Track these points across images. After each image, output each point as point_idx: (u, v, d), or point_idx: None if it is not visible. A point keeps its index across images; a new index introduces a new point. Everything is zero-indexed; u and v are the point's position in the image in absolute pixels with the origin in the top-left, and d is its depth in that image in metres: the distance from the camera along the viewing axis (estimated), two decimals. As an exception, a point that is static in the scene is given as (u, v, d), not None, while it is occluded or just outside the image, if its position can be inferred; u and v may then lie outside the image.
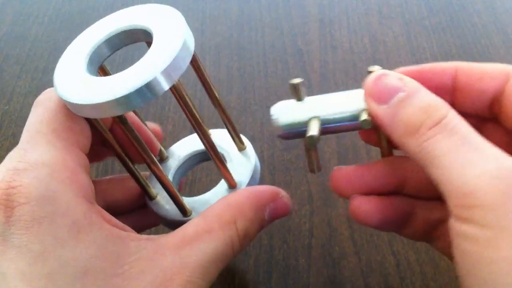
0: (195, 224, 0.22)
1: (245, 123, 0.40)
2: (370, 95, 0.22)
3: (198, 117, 0.24)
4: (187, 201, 0.27)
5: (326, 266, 0.32)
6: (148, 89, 0.21)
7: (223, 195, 0.26)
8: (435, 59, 0.46)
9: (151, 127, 0.29)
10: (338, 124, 0.24)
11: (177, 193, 0.26)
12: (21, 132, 0.39)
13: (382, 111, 0.21)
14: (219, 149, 0.27)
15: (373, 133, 0.25)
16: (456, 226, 0.19)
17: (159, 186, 0.26)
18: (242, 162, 0.28)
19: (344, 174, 0.25)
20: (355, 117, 0.23)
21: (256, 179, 0.28)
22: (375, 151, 0.35)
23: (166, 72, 0.21)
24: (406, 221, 0.25)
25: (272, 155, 0.38)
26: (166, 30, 0.23)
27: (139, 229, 0.24)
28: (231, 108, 0.41)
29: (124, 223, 0.23)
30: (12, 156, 0.21)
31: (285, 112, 0.26)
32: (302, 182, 0.36)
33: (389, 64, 0.45)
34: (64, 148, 0.21)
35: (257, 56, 0.46)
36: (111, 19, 0.25)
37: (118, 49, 0.25)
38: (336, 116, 0.24)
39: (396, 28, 0.49)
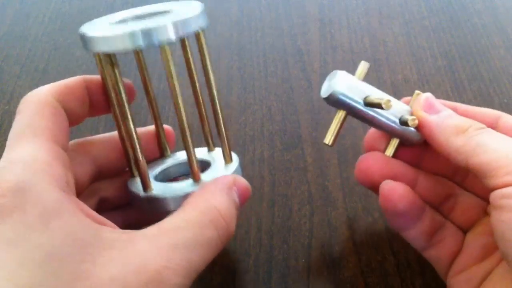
0: (172, 217, 0.23)
1: (245, 123, 0.40)
2: (422, 108, 0.27)
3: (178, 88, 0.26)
4: (154, 184, 0.27)
5: (326, 266, 0.32)
6: (156, 32, 0.24)
7: (191, 187, 0.27)
8: (435, 59, 0.46)
9: (165, 128, 0.31)
10: (387, 115, 0.28)
11: (142, 161, 0.27)
12: (21, 132, 0.39)
13: (431, 118, 0.27)
14: (206, 156, 0.30)
15: (381, 141, 0.29)
16: (497, 197, 0.23)
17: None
18: (221, 173, 0.28)
19: (372, 161, 0.29)
20: (403, 118, 0.28)
21: None
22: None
23: (175, 25, 0.24)
24: (419, 216, 0.28)
25: (272, 155, 0.38)
26: (184, 6, 0.27)
27: (132, 226, 0.25)
28: (231, 108, 0.41)
29: (117, 219, 0.23)
30: None
31: (347, 81, 0.28)
32: (302, 182, 0.36)
33: (389, 64, 0.45)
34: (41, 145, 0.23)
35: (257, 56, 0.46)
36: (138, 8, 0.29)
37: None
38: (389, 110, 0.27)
39: (396, 28, 0.49)
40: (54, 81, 0.43)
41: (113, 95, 0.27)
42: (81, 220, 0.21)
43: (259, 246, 0.33)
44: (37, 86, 0.45)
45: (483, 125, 0.25)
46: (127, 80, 0.29)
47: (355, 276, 0.31)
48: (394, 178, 0.28)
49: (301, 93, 0.43)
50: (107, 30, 0.24)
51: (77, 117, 0.26)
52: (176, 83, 0.25)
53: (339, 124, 0.28)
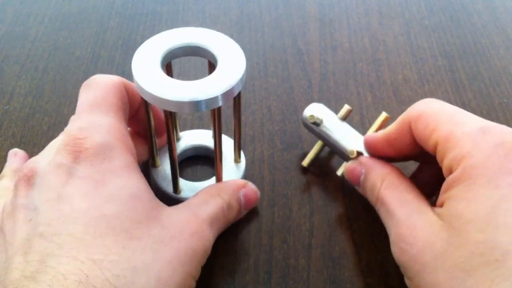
0: (194, 198, 0.30)
1: (245, 123, 0.40)
2: (349, 181, 0.33)
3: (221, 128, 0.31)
4: (181, 183, 0.33)
5: (326, 266, 0.32)
6: (210, 102, 0.27)
7: None
8: (435, 59, 0.46)
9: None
10: (335, 144, 0.35)
11: (177, 171, 0.32)
12: (21, 132, 0.40)
13: (358, 188, 0.32)
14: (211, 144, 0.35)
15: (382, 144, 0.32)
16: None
17: (163, 160, 0.34)
18: (233, 172, 0.35)
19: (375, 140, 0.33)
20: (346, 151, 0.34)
21: None
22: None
23: (226, 94, 0.27)
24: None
25: (272, 155, 0.38)
26: (229, 60, 0.29)
27: None
28: (231, 108, 0.41)
29: None
30: (75, 119, 0.28)
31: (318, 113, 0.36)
32: (302, 182, 0.36)
33: (389, 64, 0.45)
34: (115, 118, 0.28)
35: (257, 56, 0.46)
36: (187, 32, 0.30)
37: (188, 55, 0.30)
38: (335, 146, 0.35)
39: (396, 28, 0.49)
40: (54, 81, 0.44)
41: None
42: (146, 181, 0.28)
43: (259, 246, 0.33)
44: (37, 86, 0.45)
45: (378, 184, 0.30)
46: None
47: (355, 276, 0.31)
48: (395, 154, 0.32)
49: (301, 93, 0.43)
50: (159, 86, 0.27)
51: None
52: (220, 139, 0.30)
53: (316, 151, 0.36)
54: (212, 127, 0.35)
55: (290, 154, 0.38)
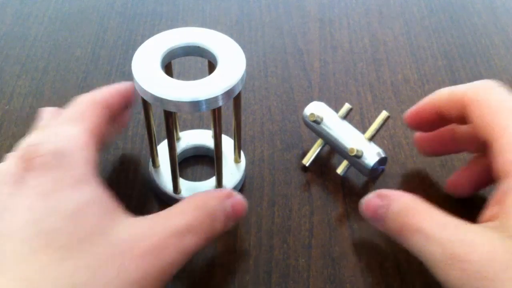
0: (173, 207, 0.28)
1: (245, 123, 0.40)
2: (367, 216, 0.31)
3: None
4: (181, 183, 0.33)
5: (326, 266, 0.32)
6: (210, 102, 0.27)
7: (210, 188, 0.34)
8: (435, 59, 0.46)
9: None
10: (337, 143, 0.35)
11: (177, 171, 0.32)
12: (21, 132, 0.40)
13: (377, 224, 0.30)
14: (211, 143, 0.35)
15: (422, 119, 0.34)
16: None
17: (162, 160, 0.34)
18: (233, 172, 0.35)
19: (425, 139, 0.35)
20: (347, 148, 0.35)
21: (237, 189, 0.35)
22: (375, 151, 0.35)
23: (226, 94, 0.27)
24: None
25: (272, 155, 0.38)
26: (230, 59, 0.29)
27: None
28: (231, 108, 0.41)
29: None
30: (43, 128, 0.28)
31: (317, 111, 0.36)
32: (302, 182, 0.36)
33: (389, 64, 0.45)
34: (84, 130, 0.28)
35: (257, 56, 0.46)
36: (187, 31, 0.30)
37: (188, 55, 0.30)
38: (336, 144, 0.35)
39: (396, 28, 0.49)
40: (54, 81, 0.43)
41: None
42: (104, 192, 0.26)
43: (259, 246, 0.33)
44: (37, 86, 0.45)
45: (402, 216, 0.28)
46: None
47: (355, 276, 0.31)
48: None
49: (301, 93, 0.43)
50: (159, 86, 0.27)
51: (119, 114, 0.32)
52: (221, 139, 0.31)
53: (317, 149, 0.36)
54: (212, 127, 0.35)
55: (290, 154, 0.38)
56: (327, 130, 0.35)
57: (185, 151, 0.36)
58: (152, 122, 0.31)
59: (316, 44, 0.47)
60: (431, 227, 0.26)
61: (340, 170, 0.35)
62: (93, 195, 0.25)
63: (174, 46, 0.29)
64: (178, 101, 0.26)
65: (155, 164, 0.34)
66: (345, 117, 0.36)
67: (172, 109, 0.27)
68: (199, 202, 0.28)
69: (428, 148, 0.36)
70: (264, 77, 0.44)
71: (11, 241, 0.23)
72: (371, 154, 0.33)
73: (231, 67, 0.28)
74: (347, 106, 0.36)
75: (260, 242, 0.33)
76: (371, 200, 0.30)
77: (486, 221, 0.26)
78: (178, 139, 0.37)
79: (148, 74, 0.27)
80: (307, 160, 0.36)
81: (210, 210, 0.28)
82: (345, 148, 0.34)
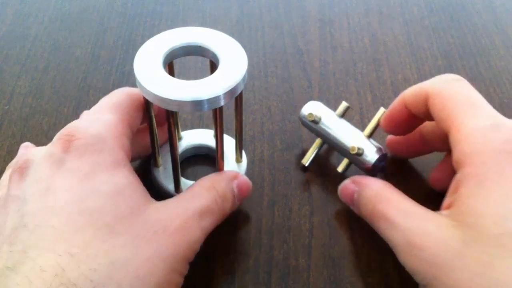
0: (188, 190, 0.30)
1: (245, 123, 0.40)
2: (343, 200, 0.33)
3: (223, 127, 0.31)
4: (182, 182, 0.33)
5: (326, 266, 0.32)
6: (212, 101, 0.27)
7: None
8: (435, 59, 0.46)
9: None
10: (336, 142, 0.35)
11: (179, 170, 0.32)
12: (21, 132, 0.40)
13: (353, 207, 0.32)
14: (213, 143, 0.35)
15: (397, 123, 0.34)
16: None
17: (164, 159, 0.34)
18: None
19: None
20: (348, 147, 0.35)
21: None
22: (375, 151, 0.35)
23: (228, 93, 0.27)
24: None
25: (272, 155, 0.38)
26: (231, 59, 0.29)
27: None
28: (231, 108, 0.41)
29: None
30: (83, 115, 0.30)
31: (315, 110, 0.36)
32: (302, 182, 0.36)
33: (389, 64, 0.45)
34: (118, 117, 0.29)
35: (257, 56, 0.46)
36: (188, 31, 0.30)
37: (189, 55, 0.30)
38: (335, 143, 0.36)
39: (396, 28, 0.49)
40: (54, 81, 0.43)
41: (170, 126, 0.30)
42: (136, 177, 0.28)
43: (259, 246, 0.33)
44: (37, 86, 0.45)
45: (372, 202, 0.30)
46: None
47: (355, 276, 0.31)
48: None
49: (301, 93, 0.43)
50: (163, 85, 0.27)
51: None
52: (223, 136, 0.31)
53: (316, 149, 0.37)
54: (213, 126, 0.35)
55: (290, 154, 0.38)
56: (326, 129, 0.35)
57: (187, 150, 0.36)
58: (154, 122, 0.31)
59: (316, 44, 0.47)
60: (394, 214, 0.28)
61: (340, 168, 0.35)
62: (128, 179, 0.27)
63: (175, 46, 0.29)
64: (180, 101, 0.26)
65: (157, 164, 0.34)
66: (343, 115, 0.36)
67: (174, 108, 0.27)
68: (211, 184, 0.30)
69: (399, 150, 0.37)
70: (264, 77, 0.44)
71: (56, 219, 0.24)
72: (372, 151, 0.34)
73: (233, 66, 0.28)
74: (344, 104, 0.36)
75: (260, 242, 0.33)
76: (347, 185, 0.32)
77: (445, 209, 0.27)
78: (180, 138, 0.37)
79: (150, 73, 0.27)
80: (306, 160, 0.37)
81: (220, 191, 0.30)
82: (345, 146, 0.34)
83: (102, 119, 0.28)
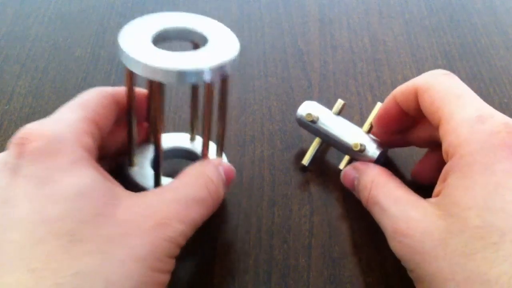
0: (171, 182, 0.28)
1: (245, 123, 0.40)
2: (345, 186, 0.34)
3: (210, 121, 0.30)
4: (163, 180, 0.31)
5: (326, 266, 0.32)
6: (197, 74, 0.26)
7: None
8: (435, 59, 0.46)
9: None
10: (337, 140, 0.35)
11: (161, 157, 0.30)
12: (21, 132, 0.39)
13: (354, 193, 0.33)
14: (189, 146, 0.35)
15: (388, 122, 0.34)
16: None
17: (139, 159, 0.33)
18: None
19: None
20: (350, 145, 0.35)
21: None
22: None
23: (216, 70, 0.26)
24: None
25: (272, 155, 0.38)
26: (223, 42, 0.28)
27: None
28: (231, 108, 0.41)
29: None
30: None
31: (312, 110, 0.36)
32: (302, 182, 0.36)
33: (389, 64, 0.45)
34: (83, 118, 0.27)
35: (257, 56, 0.46)
36: (179, 16, 0.30)
37: (179, 39, 0.29)
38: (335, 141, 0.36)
39: (396, 28, 0.49)
40: (54, 81, 0.44)
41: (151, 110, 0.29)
42: (102, 173, 0.25)
43: (259, 246, 0.33)
44: (37, 86, 0.45)
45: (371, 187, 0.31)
46: None
47: (355, 276, 0.31)
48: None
49: (301, 93, 0.43)
50: (149, 55, 0.26)
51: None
52: (212, 117, 0.29)
53: (315, 148, 0.37)
54: (201, 111, 0.32)
55: (290, 154, 0.38)
56: (325, 128, 0.35)
57: (164, 153, 0.34)
58: (134, 120, 0.30)
59: (316, 44, 0.47)
60: (385, 201, 0.29)
61: (342, 165, 0.35)
62: (92, 178, 0.24)
63: (163, 28, 0.28)
64: (166, 69, 0.25)
65: (132, 163, 0.32)
66: (339, 113, 0.36)
67: (158, 78, 0.26)
68: (201, 170, 0.28)
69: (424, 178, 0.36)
70: (264, 77, 0.44)
71: (15, 233, 0.22)
72: (373, 147, 0.34)
73: (224, 48, 0.27)
74: (340, 101, 0.36)
75: (260, 242, 0.33)
76: (348, 171, 0.34)
77: (434, 196, 0.27)
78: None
79: (136, 44, 0.26)
80: (306, 160, 0.37)
81: (208, 179, 0.28)
82: (346, 144, 0.34)
83: (62, 118, 0.26)
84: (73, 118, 0.26)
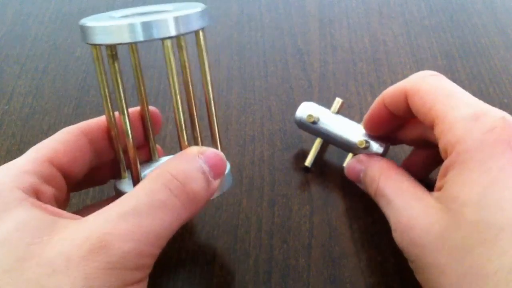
0: (126, 194, 0.24)
1: (245, 123, 0.40)
2: (350, 178, 0.34)
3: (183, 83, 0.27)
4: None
5: (326, 266, 0.32)
6: (156, 25, 0.24)
7: None
8: (435, 59, 0.46)
9: (150, 109, 0.31)
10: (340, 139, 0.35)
11: (137, 163, 0.28)
12: (21, 132, 0.40)
13: (360, 185, 0.33)
14: None
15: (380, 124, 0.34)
16: None
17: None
18: None
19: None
20: (349, 145, 0.35)
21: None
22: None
23: (177, 20, 0.24)
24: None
25: (272, 155, 0.38)
26: (188, 6, 0.26)
27: None
28: (231, 108, 0.41)
29: None
30: None
31: (310, 111, 0.36)
32: (302, 182, 0.36)
33: (389, 64, 0.45)
34: (32, 159, 0.25)
35: (257, 56, 0.46)
36: (141, 7, 0.29)
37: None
38: (336, 141, 0.36)
39: (396, 28, 0.49)
40: (54, 81, 0.43)
41: (116, 91, 0.27)
42: (37, 213, 0.23)
43: (259, 246, 0.33)
44: (37, 86, 0.44)
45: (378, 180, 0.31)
46: (153, 108, 0.31)
47: (355, 276, 0.31)
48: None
49: (301, 93, 0.43)
50: (107, 21, 0.24)
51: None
52: (175, 79, 0.25)
53: (317, 149, 0.37)
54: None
55: (290, 154, 0.38)
56: (326, 127, 0.35)
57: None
58: (115, 124, 0.28)
59: (316, 44, 0.47)
60: (391, 193, 0.29)
61: (346, 163, 0.35)
62: (22, 219, 0.22)
63: (128, 12, 0.27)
64: (129, 24, 0.23)
65: (121, 175, 0.30)
66: (338, 111, 0.36)
67: (123, 38, 0.24)
68: (160, 171, 0.24)
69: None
70: (264, 77, 0.44)
71: None
72: (377, 143, 0.34)
73: (190, 6, 0.27)
74: (338, 100, 0.36)
75: (260, 242, 0.33)
76: (353, 164, 0.34)
77: (436, 191, 0.28)
78: (156, 159, 0.32)
79: (96, 19, 0.25)
80: (309, 162, 0.36)
81: (169, 177, 0.24)
82: (349, 142, 0.34)
83: (8, 164, 0.25)
84: (18, 162, 0.25)
